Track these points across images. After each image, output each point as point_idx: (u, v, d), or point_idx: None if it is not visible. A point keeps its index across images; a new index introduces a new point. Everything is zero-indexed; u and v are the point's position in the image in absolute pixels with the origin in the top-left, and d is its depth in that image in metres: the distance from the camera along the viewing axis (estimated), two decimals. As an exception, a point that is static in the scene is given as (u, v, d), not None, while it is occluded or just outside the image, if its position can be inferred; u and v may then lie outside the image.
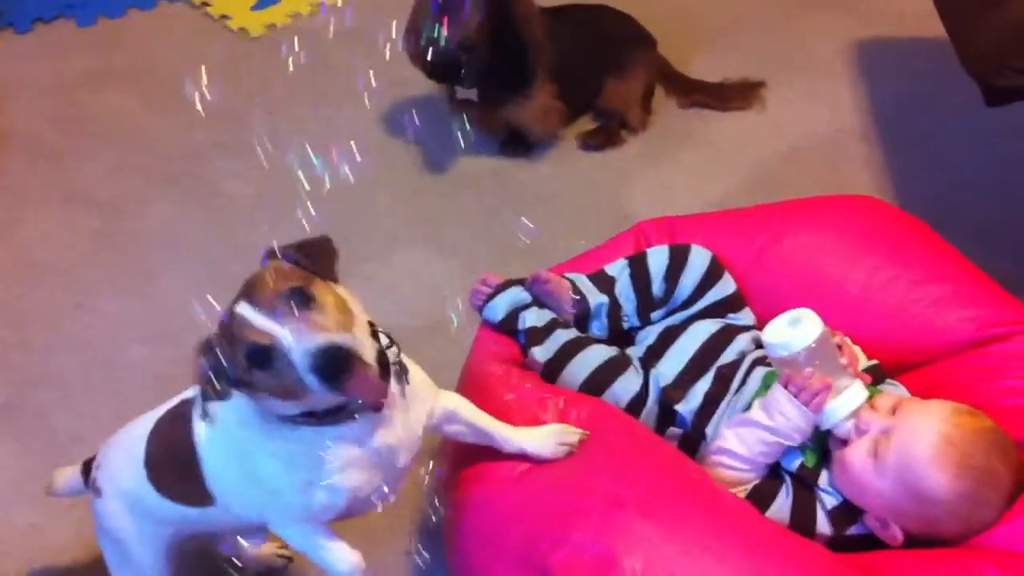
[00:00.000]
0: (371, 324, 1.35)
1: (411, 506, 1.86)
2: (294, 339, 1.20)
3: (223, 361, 1.24)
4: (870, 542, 1.47)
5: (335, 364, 1.20)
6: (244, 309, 1.23)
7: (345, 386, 1.21)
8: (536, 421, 1.51)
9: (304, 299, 1.23)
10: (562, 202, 2.46)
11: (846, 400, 1.46)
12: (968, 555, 1.36)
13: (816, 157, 2.54)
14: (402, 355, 1.38)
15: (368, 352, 1.27)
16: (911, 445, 1.40)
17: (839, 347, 1.53)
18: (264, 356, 1.22)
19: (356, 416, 1.30)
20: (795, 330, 1.49)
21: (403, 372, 1.37)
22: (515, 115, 2.48)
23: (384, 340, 1.35)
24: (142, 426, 1.51)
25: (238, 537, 1.66)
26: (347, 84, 2.70)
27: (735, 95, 2.66)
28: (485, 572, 1.48)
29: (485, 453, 1.52)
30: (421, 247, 2.37)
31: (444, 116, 2.63)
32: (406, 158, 2.58)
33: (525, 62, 2.40)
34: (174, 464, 1.44)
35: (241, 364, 1.23)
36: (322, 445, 1.31)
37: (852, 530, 1.48)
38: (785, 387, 1.47)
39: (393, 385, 1.33)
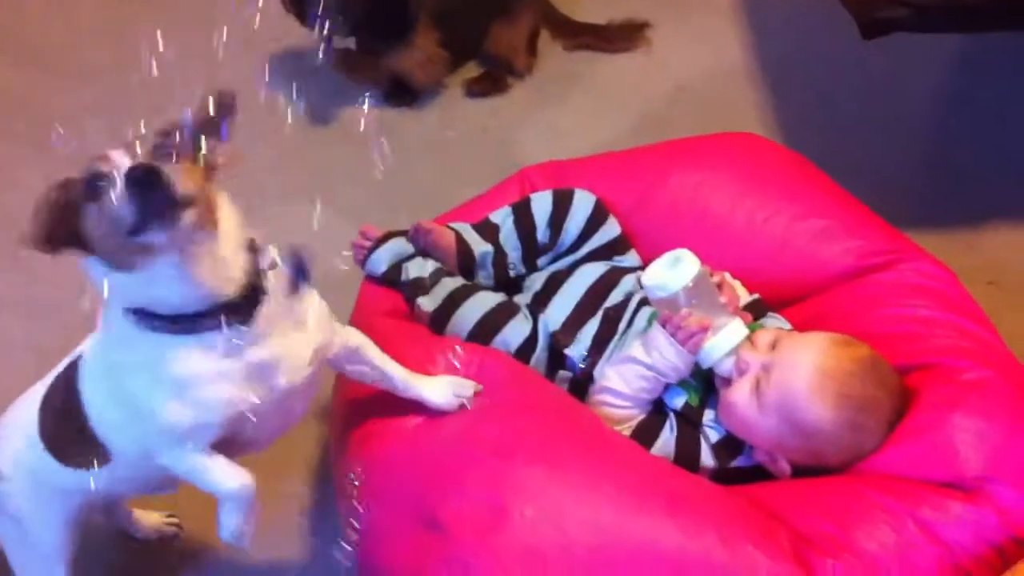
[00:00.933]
0: (252, 240, 1.28)
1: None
2: (126, 165, 1.13)
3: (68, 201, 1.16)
4: (755, 474, 1.48)
5: (145, 183, 1.10)
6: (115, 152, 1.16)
7: (151, 215, 1.11)
8: (426, 375, 1.48)
9: (169, 157, 1.16)
10: (451, 151, 2.43)
11: (724, 338, 1.47)
12: (849, 481, 1.38)
13: (703, 97, 2.54)
14: (303, 285, 1.32)
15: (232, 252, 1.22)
16: (789, 380, 1.41)
17: (719, 285, 1.53)
18: (97, 182, 1.13)
19: (222, 326, 1.22)
20: (673, 271, 1.48)
21: (293, 291, 1.30)
22: (397, 63, 2.43)
23: (269, 260, 1.29)
24: (32, 399, 1.44)
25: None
26: (226, 38, 2.62)
27: (621, 36, 2.64)
28: (379, 525, 1.46)
29: (376, 409, 1.50)
30: (307, 201, 2.31)
31: (324, 67, 2.57)
32: (284, 112, 2.52)
33: (405, 8, 2.34)
34: (67, 426, 1.38)
35: (79, 197, 1.15)
36: (186, 355, 1.24)
37: (737, 462, 1.49)
38: (664, 326, 1.47)
39: (272, 301, 1.27)
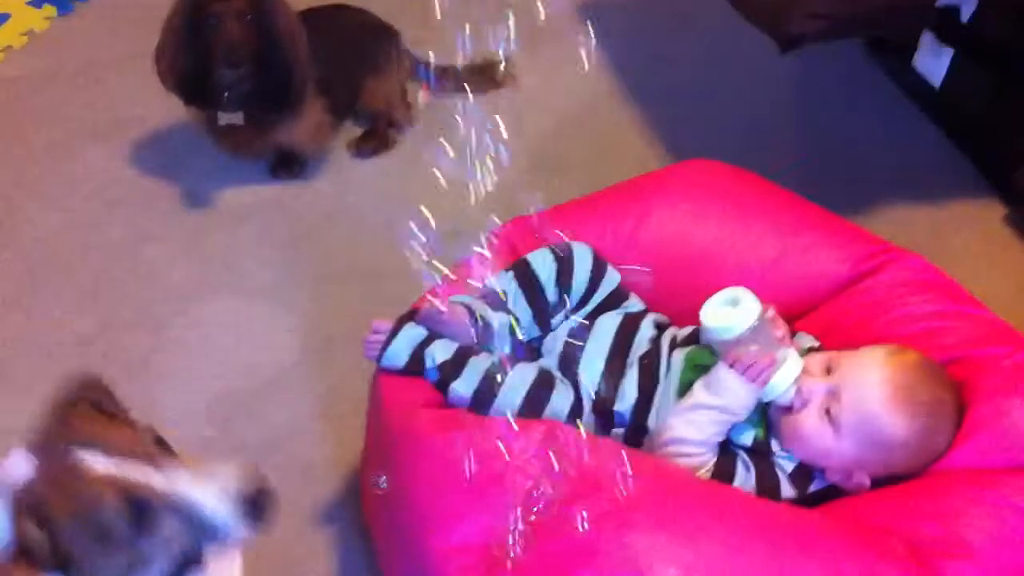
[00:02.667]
0: None
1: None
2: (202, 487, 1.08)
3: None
4: (829, 495, 1.53)
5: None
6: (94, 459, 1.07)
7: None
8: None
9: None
10: (356, 216, 2.34)
11: (787, 371, 1.50)
12: (937, 482, 1.45)
13: (583, 125, 2.58)
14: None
15: None
16: (863, 399, 1.46)
17: (772, 319, 1.56)
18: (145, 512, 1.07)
19: None
20: (735, 311, 1.51)
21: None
22: (287, 135, 2.32)
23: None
24: None
25: None
26: (78, 129, 2.42)
27: (483, 76, 2.63)
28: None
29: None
30: (224, 295, 2.17)
31: (195, 147, 2.42)
32: (168, 202, 2.35)
33: (291, 79, 2.23)
34: None
35: (102, 530, 1.06)
36: None
37: (813, 487, 1.53)
38: (731, 366, 1.49)
39: None
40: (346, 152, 2.47)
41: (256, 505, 1.12)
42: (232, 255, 2.25)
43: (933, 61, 2.46)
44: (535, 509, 1.40)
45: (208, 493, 1.09)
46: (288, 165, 2.38)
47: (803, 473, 1.52)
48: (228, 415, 1.94)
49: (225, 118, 2.24)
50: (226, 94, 2.18)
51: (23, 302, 2.14)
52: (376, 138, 2.47)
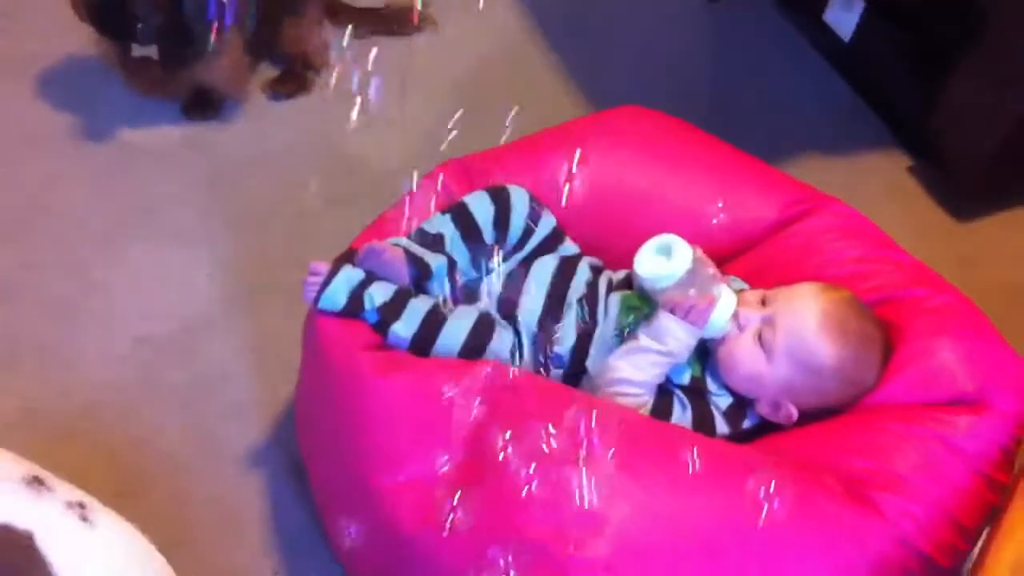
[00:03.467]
0: None
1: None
2: None
3: None
4: (760, 432, 1.58)
5: None
6: None
7: None
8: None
9: None
10: (278, 160, 2.29)
11: (724, 307, 1.54)
12: (866, 418, 1.50)
13: (502, 68, 2.57)
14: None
15: None
16: (796, 325, 1.51)
17: (702, 259, 1.59)
18: None
19: None
20: (668, 260, 1.54)
21: None
22: (204, 74, 2.25)
23: None
24: None
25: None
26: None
27: (403, 18, 2.60)
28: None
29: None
30: (145, 240, 2.10)
31: (107, 85, 2.33)
32: (81, 141, 2.26)
33: (206, 12, 2.16)
34: None
35: None
36: None
37: (745, 424, 1.58)
38: (672, 312, 1.52)
39: None
40: (262, 94, 2.41)
41: None
42: (149, 198, 2.18)
43: (844, 15, 2.53)
44: (481, 448, 1.42)
45: None
46: (202, 106, 2.31)
47: (737, 410, 1.56)
48: (153, 360, 1.90)
49: (139, 51, 2.16)
50: (139, 25, 2.10)
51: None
52: (294, 80, 2.41)
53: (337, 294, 1.58)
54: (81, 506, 1.20)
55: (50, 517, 1.17)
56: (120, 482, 1.71)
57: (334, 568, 1.65)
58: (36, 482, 1.20)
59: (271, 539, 1.69)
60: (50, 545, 1.15)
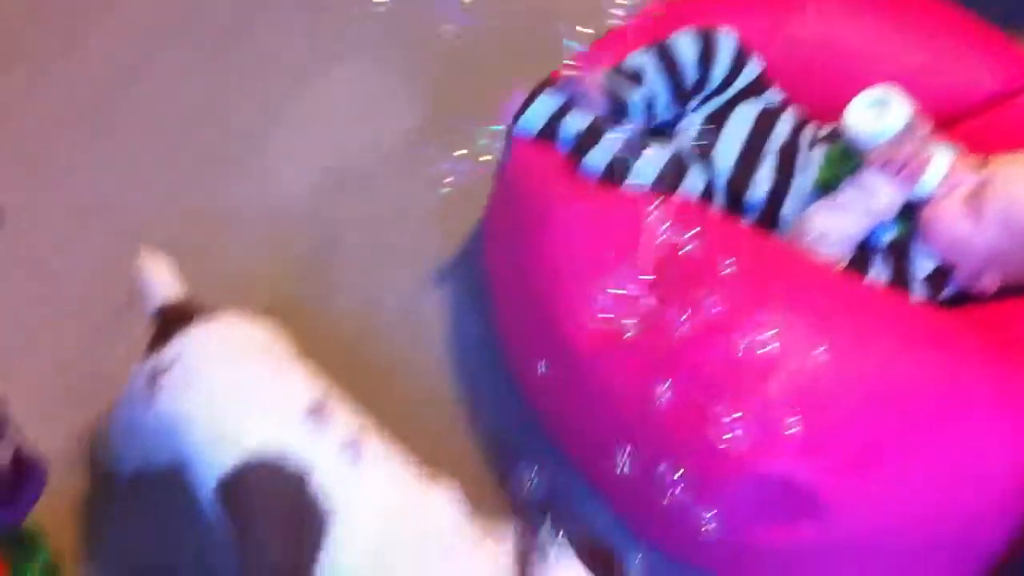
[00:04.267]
0: None
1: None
2: None
3: None
4: (959, 302, 1.51)
5: None
6: None
7: None
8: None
9: None
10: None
11: (937, 167, 1.47)
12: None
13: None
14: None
15: None
16: (1013, 188, 1.43)
17: (919, 115, 1.51)
18: None
19: None
20: (884, 113, 1.46)
21: None
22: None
23: None
24: None
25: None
26: None
27: None
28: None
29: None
30: (338, 65, 2.12)
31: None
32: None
33: None
34: None
35: None
36: None
37: (944, 292, 1.51)
38: (881, 168, 1.46)
39: None
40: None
41: None
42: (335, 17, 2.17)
43: None
44: (663, 280, 1.40)
45: None
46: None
47: (937, 277, 1.50)
48: (340, 187, 1.94)
49: None
50: None
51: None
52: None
53: (535, 118, 1.57)
54: (354, 445, 1.25)
55: (325, 457, 1.23)
56: (307, 286, 1.77)
57: (504, 384, 1.68)
58: (317, 412, 1.26)
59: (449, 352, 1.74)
60: (322, 482, 1.21)
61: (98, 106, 2.02)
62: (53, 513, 1.45)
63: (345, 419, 1.27)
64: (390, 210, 1.90)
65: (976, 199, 1.44)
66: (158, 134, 1.99)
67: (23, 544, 1.39)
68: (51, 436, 1.46)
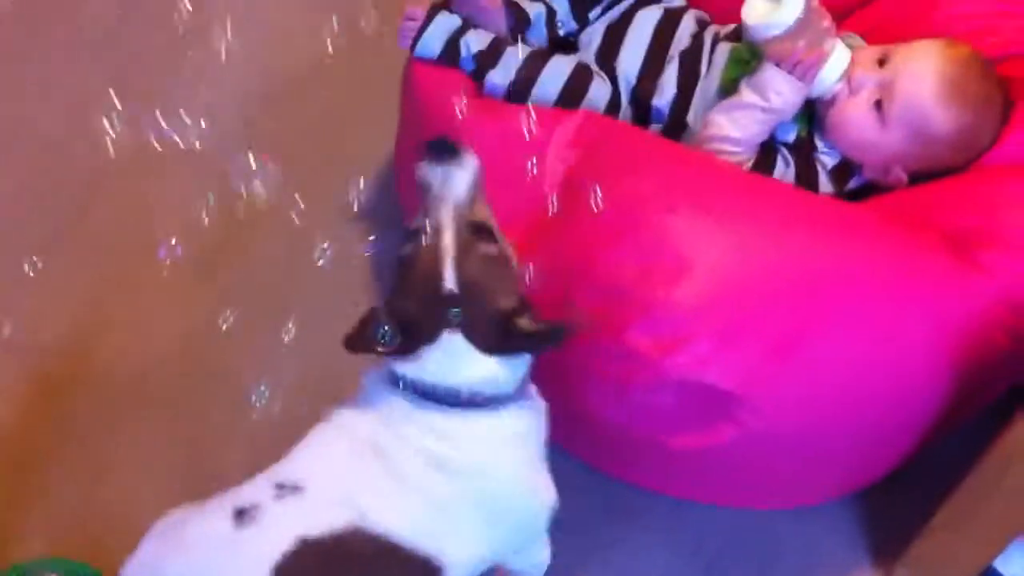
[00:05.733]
0: None
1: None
2: None
3: None
4: (865, 193, 1.52)
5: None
6: None
7: None
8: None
9: None
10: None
11: (836, 64, 1.46)
12: (981, 176, 1.43)
13: None
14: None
15: None
16: (916, 92, 1.43)
17: (817, 8, 1.50)
18: None
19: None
20: (778, 5, 1.45)
21: None
22: None
23: None
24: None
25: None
26: None
27: None
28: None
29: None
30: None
31: None
32: None
33: None
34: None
35: None
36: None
37: (851, 184, 1.52)
38: (777, 64, 1.45)
39: None
40: None
41: None
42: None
43: None
44: (571, 193, 1.40)
45: None
46: None
47: (843, 169, 1.51)
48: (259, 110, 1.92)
49: None
50: None
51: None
52: None
53: (433, 40, 1.55)
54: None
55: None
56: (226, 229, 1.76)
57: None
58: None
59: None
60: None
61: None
62: None
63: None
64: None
65: (880, 103, 1.44)
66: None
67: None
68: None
